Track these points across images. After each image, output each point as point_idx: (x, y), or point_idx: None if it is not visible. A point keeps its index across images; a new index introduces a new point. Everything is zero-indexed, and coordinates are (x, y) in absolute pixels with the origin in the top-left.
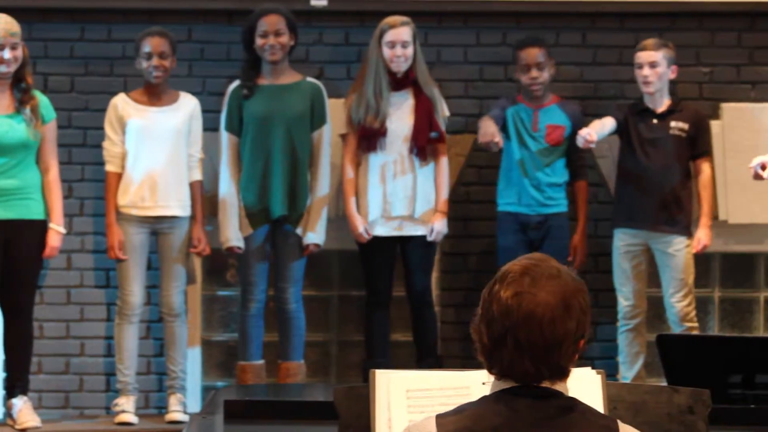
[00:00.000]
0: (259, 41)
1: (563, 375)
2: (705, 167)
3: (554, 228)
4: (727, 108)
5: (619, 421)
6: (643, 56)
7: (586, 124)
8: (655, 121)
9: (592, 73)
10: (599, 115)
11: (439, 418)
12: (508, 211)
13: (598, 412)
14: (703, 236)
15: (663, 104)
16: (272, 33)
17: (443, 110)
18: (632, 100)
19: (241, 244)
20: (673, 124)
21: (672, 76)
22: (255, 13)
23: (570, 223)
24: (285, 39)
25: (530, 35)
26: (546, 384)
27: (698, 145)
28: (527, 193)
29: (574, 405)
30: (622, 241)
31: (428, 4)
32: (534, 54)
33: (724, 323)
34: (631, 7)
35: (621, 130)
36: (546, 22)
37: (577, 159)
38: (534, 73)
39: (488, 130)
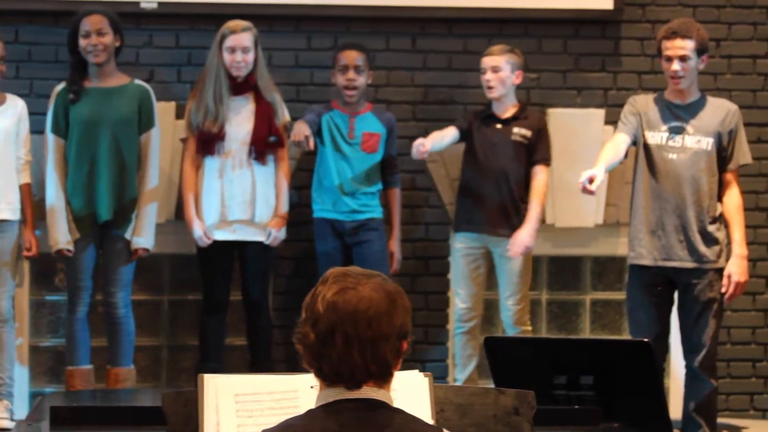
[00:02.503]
0: (82, 42)
1: (388, 374)
2: (539, 173)
3: (370, 232)
4: (554, 113)
5: (445, 430)
6: (486, 61)
7: (424, 133)
8: (498, 126)
9: (421, 78)
10: (430, 120)
11: None
12: (323, 217)
13: (425, 422)
14: (523, 236)
15: (508, 110)
16: (95, 32)
17: (284, 115)
18: (462, 105)
19: (70, 246)
20: (515, 130)
21: (517, 81)
22: (78, 14)
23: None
24: (108, 39)
25: (352, 40)
26: (371, 387)
27: (537, 151)
28: (342, 200)
29: (400, 415)
30: (463, 244)
31: (259, 7)
32: (354, 57)
33: (551, 325)
34: (460, 13)
35: (465, 137)
36: (376, 26)
37: (389, 167)
38: (351, 74)
39: (300, 128)
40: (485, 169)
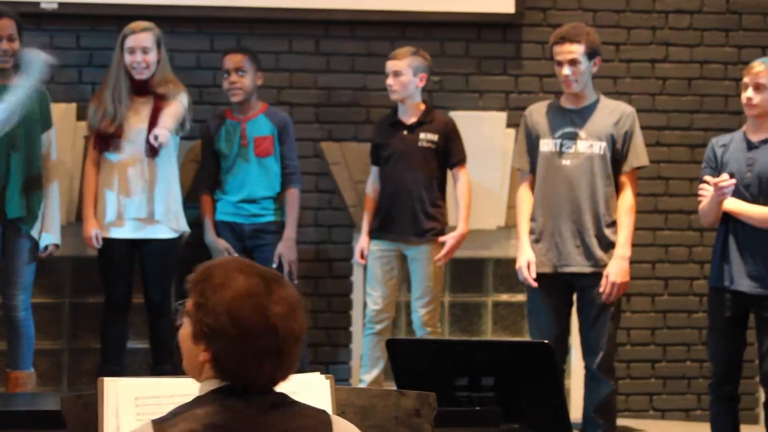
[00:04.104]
0: None
1: (289, 371)
2: (460, 175)
3: (268, 236)
4: (456, 116)
5: (331, 414)
6: (388, 65)
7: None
8: (404, 132)
9: (325, 80)
10: (333, 122)
11: (156, 423)
12: (223, 220)
13: (311, 406)
14: (450, 240)
15: (413, 115)
16: (5, 38)
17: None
18: (365, 107)
19: None
20: (422, 135)
21: (420, 84)
22: None
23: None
24: (17, 44)
25: (237, 44)
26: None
27: (452, 155)
28: (242, 206)
29: (285, 399)
30: (376, 246)
31: (162, 8)
32: (234, 60)
33: (454, 327)
34: (363, 15)
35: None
36: (279, 29)
37: (286, 167)
38: (233, 77)
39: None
40: (395, 176)
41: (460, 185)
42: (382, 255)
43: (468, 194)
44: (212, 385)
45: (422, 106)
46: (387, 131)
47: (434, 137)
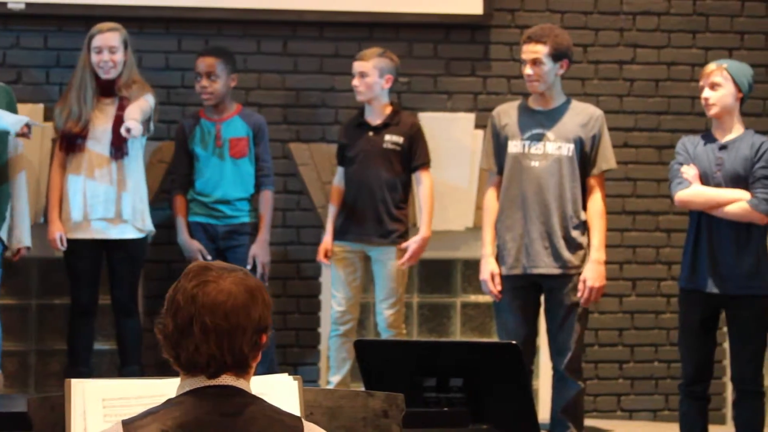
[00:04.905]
0: None
1: (246, 365)
2: (423, 178)
3: (241, 237)
4: (424, 117)
5: (304, 421)
6: (355, 66)
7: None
8: (370, 133)
9: (293, 81)
10: (300, 123)
11: (126, 424)
12: (196, 221)
13: (284, 411)
14: (412, 244)
15: (379, 117)
16: None
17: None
18: (333, 108)
19: None
20: (387, 137)
21: (386, 85)
22: None
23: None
24: None
25: (212, 45)
26: (230, 376)
27: (415, 157)
28: (216, 206)
29: (258, 402)
30: (340, 247)
31: (130, 9)
32: (206, 63)
33: (422, 328)
34: (331, 16)
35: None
36: (247, 29)
37: (259, 169)
38: (204, 82)
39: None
40: (359, 178)
41: (422, 189)
42: (345, 256)
43: (431, 198)
44: (187, 386)
45: (389, 108)
46: (353, 132)
47: (399, 139)
